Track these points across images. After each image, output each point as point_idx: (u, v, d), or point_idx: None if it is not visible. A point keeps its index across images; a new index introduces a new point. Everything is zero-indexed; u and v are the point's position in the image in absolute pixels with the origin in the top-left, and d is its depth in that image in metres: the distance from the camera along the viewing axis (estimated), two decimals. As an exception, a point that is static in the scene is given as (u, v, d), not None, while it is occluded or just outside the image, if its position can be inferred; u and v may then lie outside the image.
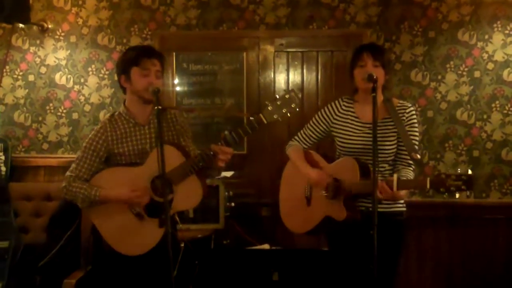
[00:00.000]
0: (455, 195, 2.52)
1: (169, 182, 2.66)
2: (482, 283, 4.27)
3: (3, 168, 4.35)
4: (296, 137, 3.15)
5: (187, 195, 2.72)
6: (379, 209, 2.74)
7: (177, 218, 2.97)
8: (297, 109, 2.60)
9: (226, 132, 2.64)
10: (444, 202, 4.20)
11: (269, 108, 2.58)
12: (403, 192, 2.73)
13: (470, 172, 2.50)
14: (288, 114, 2.59)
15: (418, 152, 2.83)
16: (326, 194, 2.90)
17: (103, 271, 2.94)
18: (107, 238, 2.80)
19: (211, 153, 2.62)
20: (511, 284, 4.23)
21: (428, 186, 2.55)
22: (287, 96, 2.59)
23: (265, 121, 2.59)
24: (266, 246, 3.61)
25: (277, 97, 2.60)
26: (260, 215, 4.41)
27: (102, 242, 2.81)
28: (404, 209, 2.95)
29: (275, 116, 2.58)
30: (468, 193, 2.54)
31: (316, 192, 3.00)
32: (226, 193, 4.00)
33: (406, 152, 2.84)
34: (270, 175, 4.33)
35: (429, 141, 4.30)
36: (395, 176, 2.67)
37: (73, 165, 2.83)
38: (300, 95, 4.27)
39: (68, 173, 2.82)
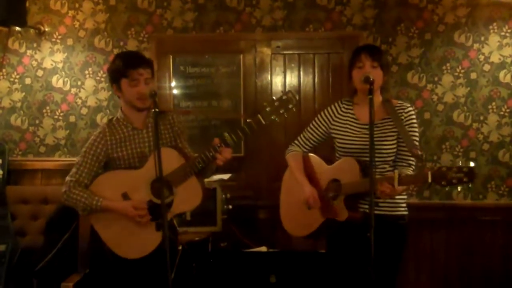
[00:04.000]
0: (457, 189, 2.50)
1: (169, 185, 2.68)
2: (479, 284, 4.27)
3: (0, 172, 4.34)
4: (296, 141, 3.15)
5: (187, 197, 2.74)
6: (381, 212, 2.78)
7: (175, 223, 2.97)
8: (294, 109, 2.65)
9: (226, 134, 2.67)
10: (441, 204, 4.21)
11: (267, 109, 2.63)
12: (401, 188, 2.69)
13: (472, 164, 2.48)
14: (285, 114, 2.63)
15: (419, 148, 2.83)
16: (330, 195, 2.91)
17: (101, 274, 2.94)
18: (107, 240, 2.80)
19: (211, 154, 2.65)
20: (508, 286, 4.24)
21: (429, 179, 2.52)
22: (284, 97, 2.65)
23: (263, 122, 2.62)
24: (263, 249, 3.60)
25: (275, 98, 2.64)
26: (258, 217, 4.41)
27: (103, 245, 2.81)
28: (406, 213, 2.94)
29: (272, 117, 2.63)
30: (469, 185, 2.50)
31: None
32: (224, 196, 3.99)
33: (406, 152, 2.84)
34: (268, 178, 4.34)
35: (426, 143, 4.30)
36: (396, 172, 2.66)
37: (73, 170, 2.84)
38: (297, 96, 4.26)
39: (68, 178, 2.82)
